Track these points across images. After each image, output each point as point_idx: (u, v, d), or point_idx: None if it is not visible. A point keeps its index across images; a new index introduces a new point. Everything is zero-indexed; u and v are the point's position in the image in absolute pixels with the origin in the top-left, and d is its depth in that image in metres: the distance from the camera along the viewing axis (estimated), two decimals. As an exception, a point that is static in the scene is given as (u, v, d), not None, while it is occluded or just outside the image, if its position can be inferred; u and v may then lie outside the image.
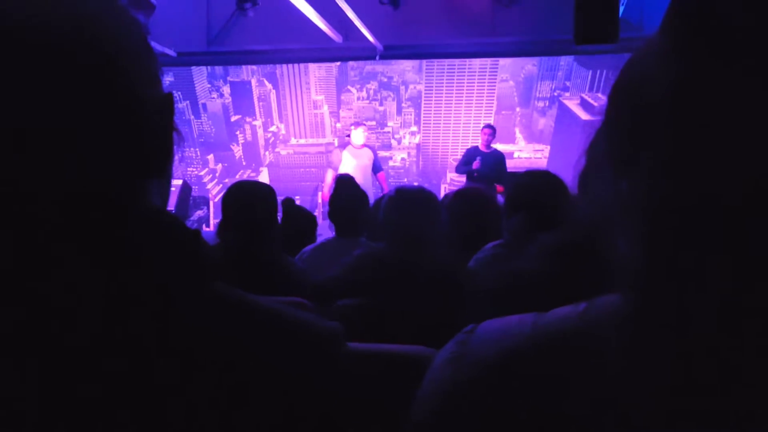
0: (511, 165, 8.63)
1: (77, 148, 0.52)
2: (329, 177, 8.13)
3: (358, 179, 7.88)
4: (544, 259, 1.73)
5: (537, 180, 2.53)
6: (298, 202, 4.52)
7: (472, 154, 8.38)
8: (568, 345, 0.59)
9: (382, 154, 10.60)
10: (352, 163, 8.11)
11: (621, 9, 7.20)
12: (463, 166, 8.38)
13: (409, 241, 2.36)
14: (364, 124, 8.53)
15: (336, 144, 8.34)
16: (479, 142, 8.48)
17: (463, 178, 8.53)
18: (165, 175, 0.62)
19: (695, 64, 0.49)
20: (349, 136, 8.30)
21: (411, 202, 2.44)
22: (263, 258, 2.47)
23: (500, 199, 3.45)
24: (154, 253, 0.56)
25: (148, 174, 0.59)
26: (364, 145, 8.27)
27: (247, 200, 2.51)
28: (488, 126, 8.46)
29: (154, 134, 0.60)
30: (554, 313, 0.63)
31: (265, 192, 2.60)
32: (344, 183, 3.29)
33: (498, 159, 8.32)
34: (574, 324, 0.60)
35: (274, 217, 2.61)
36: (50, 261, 0.51)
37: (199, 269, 0.60)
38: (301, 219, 4.20)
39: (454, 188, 8.96)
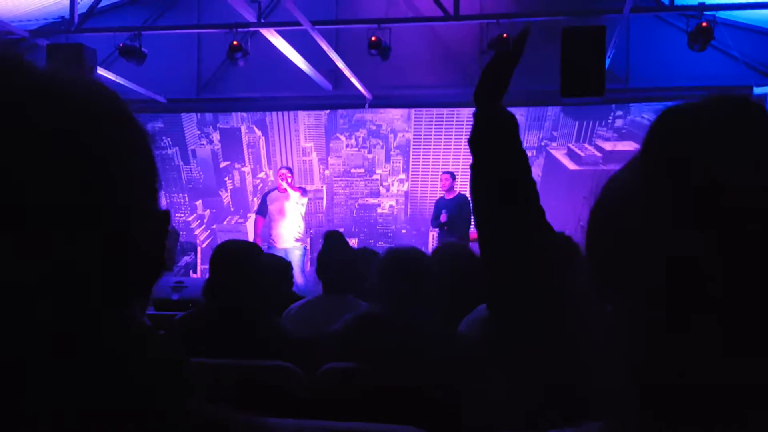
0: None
1: (63, 268, 0.49)
2: (256, 222, 8.51)
3: (279, 222, 7.99)
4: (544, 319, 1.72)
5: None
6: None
7: (438, 206, 8.54)
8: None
9: (370, 201, 10.62)
10: (273, 207, 8.28)
11: (607, 62, 7.31)
12: (434, 220, 8.57)
13: (403, 305, 2.35)
14: (286, 168, 8.71)
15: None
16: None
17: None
18: (150, 292, 0.59)
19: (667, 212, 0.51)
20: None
21: (404, 265, 2.43)
22: (250, 320, 2.45)
23: (473, 247, 3.46)
24: (137, 378, 0.54)
25: (133, 297, 0.56)
26: (289, 188, 8.35)
27: (234, 262, 2.50)
28: (445, 172, 8.63)
29: (146, 252, 0.57)
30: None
31: (253, 252, 2.59)
32: (332, 239, 3.28)
33: (461, 203, 8.39)
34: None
35: (262, 278, 2.59)
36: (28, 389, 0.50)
37: (182, 390, 0.58)
38: (274, 269, 4.14)
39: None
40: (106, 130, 0.54)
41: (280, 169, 8.51)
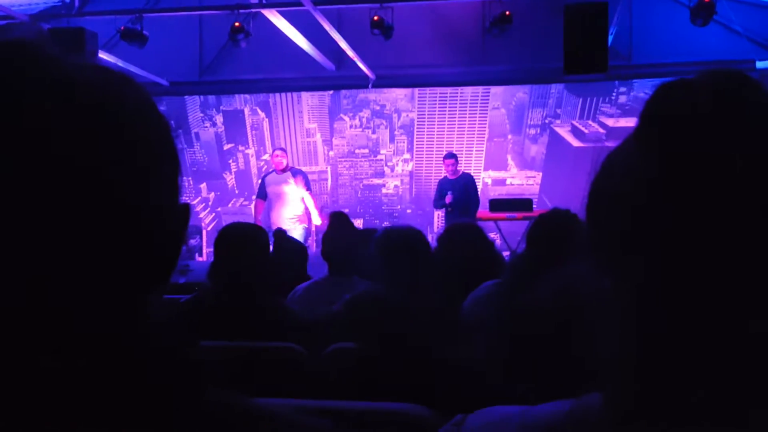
0: (503, 191, 8.68)
1: (81, 256, 0.50)
2: (256, 206, 8.31)
3: (278, 204, 7.91)
4: (554, 297, 1.73)
5: (547, 219, 2.51)
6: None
7: (442, 186, 8.36)
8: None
9: (375, 181, 10.63)
10: (272, 189, 8.07)
11: (610, 39, 7.27)
12: (438, 200, 8.39)
13: (401, 283, 2.36)
14: (280, 149, 8.45)
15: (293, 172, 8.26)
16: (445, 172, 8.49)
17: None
18: (168, 280, 0.59)
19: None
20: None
21: (399, 244, 2.44)
22: (254, 302, 2.47)
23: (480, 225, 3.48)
24: (152, 366, 0.54)
25: (149, 287, 0.56)
26: (288, 169, 8.12)
27: (239, 244, 2.51)
28: (449, 155, 8.43)
29: (164, 248, 0.57)
30: (542, 409, 0.64)
31: (257, 235, 2.60)
32: (337, 220, 3.29)
33: (466, 182, 8.30)
34: (561, 423, 0.61)
35: (266, 260, 2.60)
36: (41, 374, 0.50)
37: (194, 378, 0.58)
38: (291, 251, 4.19)
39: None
40: (131, 123, 0.54)
41: (275, 150, 8.36)
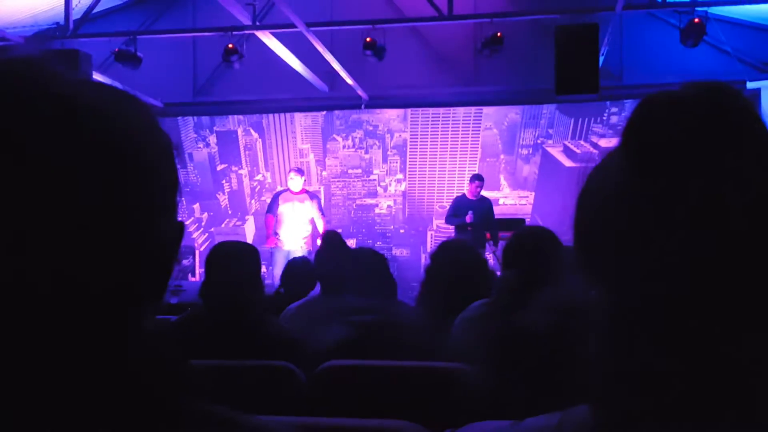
0: (497, 211, 8.69)
1: (78, 265, 0.50)
2: (267, 221, 8.29)
3: (289, 223, 7.96)
4: (546, 317, 1.73)
5: (531, 237, 2.53)
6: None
7: (461, 205, 8.36)
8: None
9: (368, 201, 10.63)
10: (285, 208, 8.16)
11: (601, 59, 7.33)
12: (453, 217, 8.38)
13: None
14: (301, 170, 8.55)
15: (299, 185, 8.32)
16: (465, 190, 8.54)
17: (451, 227, 8.58)
18: (161, 297, 0.59)
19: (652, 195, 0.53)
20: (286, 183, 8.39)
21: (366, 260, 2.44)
22: (246, 320, 2.46)
23: (488, 248, 3.49)
24: (142, 381, 0.55)
25: (142, 303, 0.56)
26: (303, 191, 8.29)
27: (230, 262, 2.51)
28: (477, 177, 8.45)
29: (158, 265, 0.57)
30: (530, 423, 0.64)
31: (248, 253, 2.59)
32: (330, 240, 3.30)
33: (487, 207, 8.39)
34: (550, 434, 0.61)
35: (257, 278, 2.60)
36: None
37: (182, 390, 0.58)
38: (301, 277, 4.06)
39: (441, 236, 9.02)
40: (131, 141, 0.54)
41: (291, 170, 8.40)
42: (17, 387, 0.49)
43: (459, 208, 8.35)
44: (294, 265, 4.01)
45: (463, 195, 8.53)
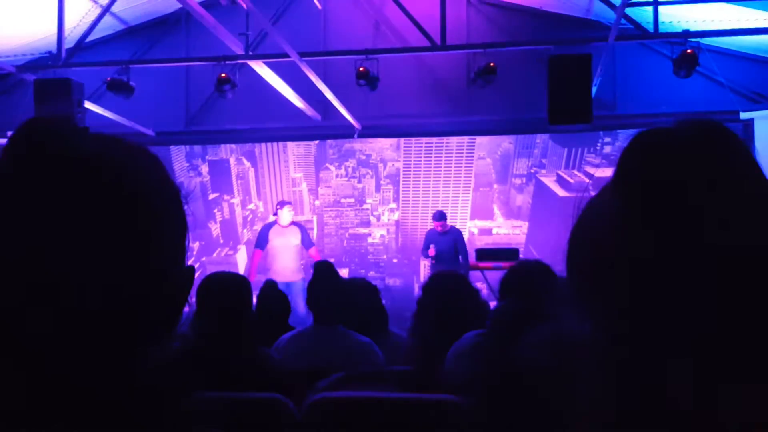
0: (489, 241, 8.69)
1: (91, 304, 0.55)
2: (255, 256, 8.34)
3: (286, 257, 8.01)
4: (544, 352, 1.70)
5: (526, 270, 2.51)
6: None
7: (429, 238, 8.68)
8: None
9: (360, 231, 10.61)
10: (280, 242, 8.20)
11: (594, 89, 7.37)
12: (424, 251, 8.71)
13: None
14: (290, 203, 8.59)
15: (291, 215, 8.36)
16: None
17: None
18: (171, 334, 0.63)
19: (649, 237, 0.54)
20: (276, 214, 8.37)
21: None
22: (237, 351, 2.42)
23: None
24: (147, 416, 0.57)
25: (150, 341, 0.60)
26: (292, 223, 8.33)
27: (220, 293, 2.47)
28: (437, 217, 8.63)
29: (169, 308, 0.61)
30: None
31: (239, 284, 2.56)
32: (323, 270, 3.25)
33: (454, 237, 8.63)
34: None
35: (248, 310, 2.56)
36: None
37: (181, 419, 0.60)
38: (275, 304, 4.14)
39: (435, 265, 8.99)
40: (145, 192, 0.60)
41: (284, 204, 8.43)
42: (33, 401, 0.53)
43: (427, 242, 8.65)
44: (265, 293, 4.07)
45: (432, 229, 8.77)
